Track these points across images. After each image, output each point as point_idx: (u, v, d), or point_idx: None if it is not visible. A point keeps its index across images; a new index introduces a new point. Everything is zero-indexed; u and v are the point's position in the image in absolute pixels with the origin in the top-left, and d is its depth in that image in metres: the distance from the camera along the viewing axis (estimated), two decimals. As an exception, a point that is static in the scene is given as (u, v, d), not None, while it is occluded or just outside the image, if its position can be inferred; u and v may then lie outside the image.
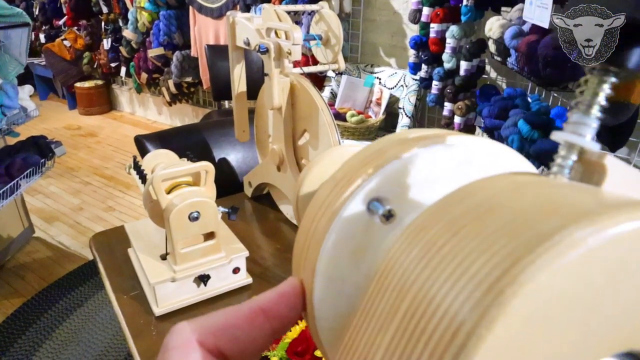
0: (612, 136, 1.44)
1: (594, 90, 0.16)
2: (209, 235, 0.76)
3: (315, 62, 1.02)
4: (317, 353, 0.58)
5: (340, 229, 0.19)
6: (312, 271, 0.20)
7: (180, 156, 0.86)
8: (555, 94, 1.77)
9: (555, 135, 0.16)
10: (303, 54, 2.22)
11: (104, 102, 4.26)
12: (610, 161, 0.16)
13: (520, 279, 0.11)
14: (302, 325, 0.62)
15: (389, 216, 0.19)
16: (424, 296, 0.13)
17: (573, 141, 0.16)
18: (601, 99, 0.16)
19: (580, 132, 0.16)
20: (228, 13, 0.98)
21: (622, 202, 0.12)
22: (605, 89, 0.16)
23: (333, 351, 0.21)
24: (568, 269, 0.11)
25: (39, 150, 1.88)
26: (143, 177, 0.80)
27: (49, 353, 1.56)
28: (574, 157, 0.16)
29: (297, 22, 2.31)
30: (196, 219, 0.72)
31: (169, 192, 0.74)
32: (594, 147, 0.16)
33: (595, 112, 0.16)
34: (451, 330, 0.12)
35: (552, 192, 0.14)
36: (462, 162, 0.19)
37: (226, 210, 0.80)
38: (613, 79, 0.16)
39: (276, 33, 0.89)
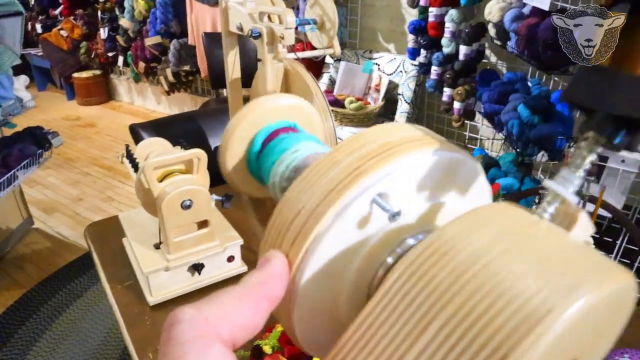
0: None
1: (583, 156, 0.20)
2: (203, 224, 0.76)
3: (313, 49, 1.00)
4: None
5: (346, 216, 0.20)
6: (306, 251, 0.20)
7: (175, 144, 0.85)
8: (556, 78, 1.75)
9: (547, 183, 0.20)
10: (299, 40, 2.20)
11: (102, 92, 4.23)
12: (582, 215, 0.20)
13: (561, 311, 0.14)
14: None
15: (396, 216, 0.20)
16: (443, 342, 0.14)
17: (559, 192, 0.19)
18: (587, 164, 0.20)
19: (566, 185, 0.19)
20: (221, -2, 0.96)
21: (611, 266, 0.15)
22: (593, 157, 0.20)
23: (302, 330, 0.22)
24: (587, 308, 0.14)
25: (36, 141, 1.88)
26: (135, 166, 0.79)
27: (49, 343, 1.56)
28: (557, 204, 0.19)
29: (294, 7, 2.28)
30: (189, 207, 0.71)
31: (161, 181, 0.72)
32: (574, 200, 0.19)
33: (581, 172, 0.20)
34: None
35: (557, 246, 0.16)
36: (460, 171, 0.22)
37: (220, 198, 0.79)
38: (600, 150, 0.20)
39: (269, 17, 0.87)
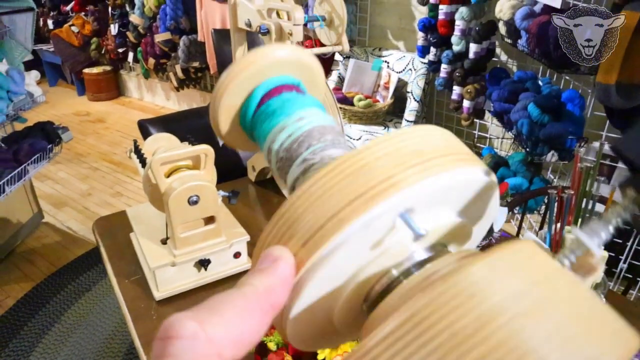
0: (625, 120, 1.40)
1: (618, 212, 0.20)
2: (209, 220, 0.76)
3: (321, 46, 1.00)
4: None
5: (370, 226, 0.18)
6: (320, 254, 0.18)
7: (183, 140, 0.85)
8: (567, 77, 1.73)
9: (576, 232, 0.20)
10: (308, 37, 2.19)
11: (113, 88, 4.26)
12: (600, 266, 0.20)
13: None
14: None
15: (420, 236, 0.19)
16: None
17: (586, 242, 0.19)
18: (619, 222, 0.20)
19: (593, 237, 0.19)
20: (229, -6, 0.96)
21: (628, 334, 0.15)
22: (626, 216, 0.20)
23: (294, 326, 0.21)
24: None
25: (46, 136, 1.89)
26: (143, 161, 0.79)
27: (57, 336, 1.58)
28: (580, 253, 0.19)
29: (303, 4, 2.28)
30: (195, 202, 0.71)
31: (168, 176, 0.73)
32: (598, 253, 0.19)
33: (611, 228, 0.19)
34: None
35: (586, 307, 0.16)
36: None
37: (226, 194, 0.79)
38: (636, 210, 0.20)
39: (278, 14, 0.87)
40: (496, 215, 0.24)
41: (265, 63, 0.27)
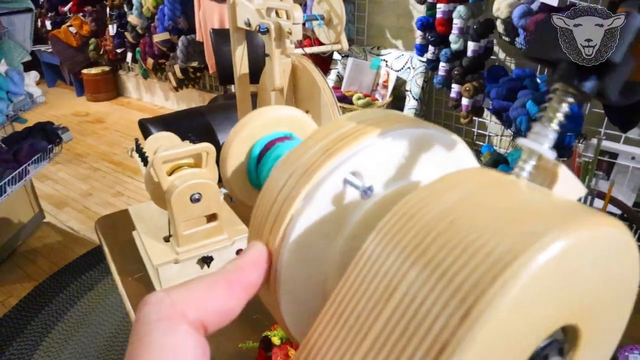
0: (623, 117, 1.41)
1: (555, 108, 0.19)
2: (212, 217, 0.77)
3: (320, 45, 1.01)
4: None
5: (317, 197, 0.19)
6: (282, 236, 0.20)
7: (184, 140, 0.86)
8: (565, 74, 1.74)
9: (520, 141, 0.19)
10: (307, 36, 2.20)
11: (111, 88, 4.27)
12: (562, 169, 0.18)
13: (508, 276, 0.13)
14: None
15: (367, 191, 0.20)
16: (411, 301, 0.14)
17: (534, 148, 0.18)
18: (560, 116, 0.19)
19: (540, 141, 0.19)
20: (229, -7, 0.96)
21: (595, 212, 0.14)
22: (564, 108, 0.19)
23: (292, 321, 0.21)
24: (550, 265, 0.13)
25: (46, 136, 1.90)
26: (145, 160, 0.80)
27: (60, 335, 1.59)
28: (534, 162, 0.18)
29: (301, 3, 2.28)
30: (198, 200, 0.72)
31: (170, 174, 0.73)
32: (550, 155, 0.19)
33: (554, 126, 0.19)
34: (442, 334, 0.13)
35: (527, 198, 0.16)
36: (429, 148, 0.22)
37: (228, 192, 0.80)
38: (571, 100, 0.19)
39: (277, 13, 0.88)
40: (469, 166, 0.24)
41: (257, 124, 0.32)
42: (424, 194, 0.16)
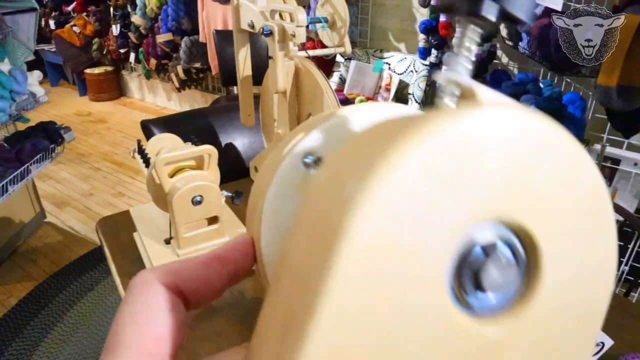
0: (626, 122, 1.41)
1: (462, 33, 0.19)
2: (213, 220, 0.76)
3: (323, 47, 1.00)
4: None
5: (280, 180, 0.22)
6: (259, 221, 0.22)
7: (186, 141, 0.86)
8: (568, 79, 1.74)
9: (436, 76, 0.18)
10: (310, 39, 2.20)
11: (114, 88, 4.27)
12: (482, 89, 0.17)
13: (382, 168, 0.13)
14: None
15: (318, 161, 0.22)
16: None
17: (449, 76, 0.18)
18: (468, 42, 0.19)
19: (457, 69, 0.18)
20: (233, -5, 0.96)
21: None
22: (475, 35, 0.19)
23: None
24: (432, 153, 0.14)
25: (48, 136, 1.90)
26: (147, 161, 0.79)
27: (60, 336, 1.58)
28: (456, 91, 0.18)
29: (305, 6, 2.29)
30: (199, 202, 0.71)
31: (172, 176, 0.73)
32: (466, 80, 0.17)
33: (465, 53, 0.18)
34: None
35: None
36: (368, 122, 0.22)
37: (230, 194, 0.80)
38: (479, 31, 0.18)
39: (281, 15, 0.88)
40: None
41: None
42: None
